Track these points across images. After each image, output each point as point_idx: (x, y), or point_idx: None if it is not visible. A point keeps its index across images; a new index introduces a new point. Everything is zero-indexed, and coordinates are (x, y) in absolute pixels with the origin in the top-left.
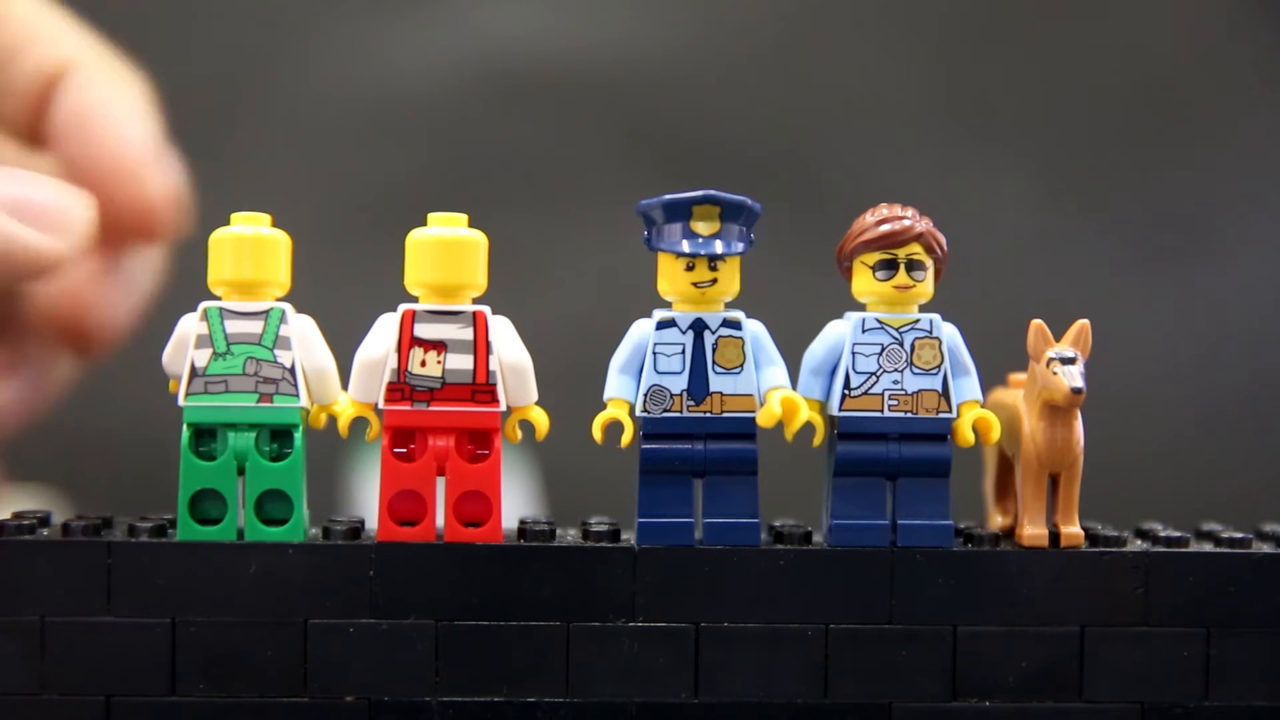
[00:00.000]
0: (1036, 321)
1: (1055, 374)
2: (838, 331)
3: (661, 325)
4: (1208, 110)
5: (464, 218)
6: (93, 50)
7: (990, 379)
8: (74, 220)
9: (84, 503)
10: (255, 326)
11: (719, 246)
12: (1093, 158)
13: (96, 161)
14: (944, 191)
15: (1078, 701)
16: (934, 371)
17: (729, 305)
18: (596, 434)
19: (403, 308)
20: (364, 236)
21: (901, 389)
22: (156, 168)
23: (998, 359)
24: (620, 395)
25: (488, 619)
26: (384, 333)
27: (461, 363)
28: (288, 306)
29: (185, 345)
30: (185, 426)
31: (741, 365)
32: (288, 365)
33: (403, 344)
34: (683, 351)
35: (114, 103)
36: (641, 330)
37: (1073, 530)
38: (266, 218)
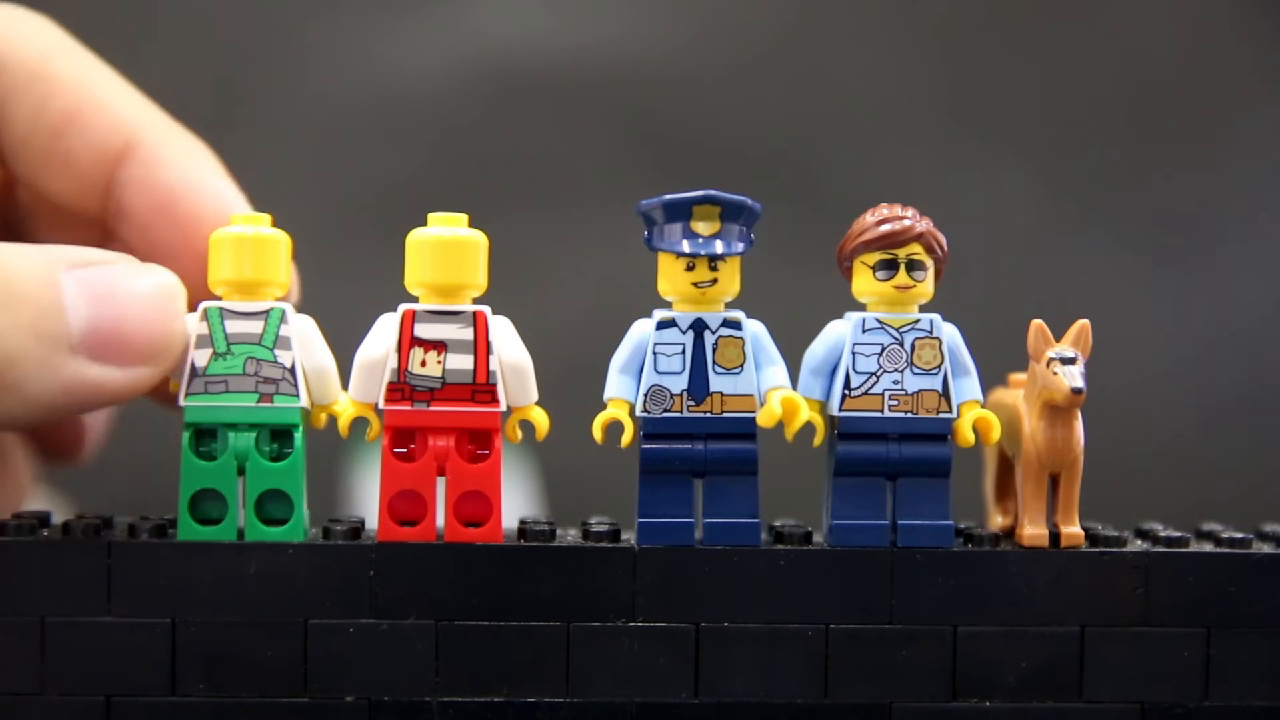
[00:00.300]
0: (1037, 322)
1: (1055, 374)
2: (838, 331)
3: (662, 325)
4: (1208, 110)
5: (464, 218)
6: (156, 117)
7: (990, 379)
8: (163, 336)
9: (84, 503)
10: (255, 326)
11: (719, 246)
12: (1093, 158)
13: (194, 242)
14: (944, 191)
15: (1078, 702)
16: (934, 371)
17: (729, 305)
18: (597, 434)
19: (403, 308)
20: (364, 236)
21: (902, 389)
22: None
23: (998, 359)
24: (620, 395)
25: (488, 619)
26: (384, 333)
27: (462, 363)
28: (288, 306)
29: (186, 345)
30: (185, 426)
31: (742, 365)
32: (288, 365)
33: (403, 344)
34: (683, 351)
35: (195, 175)
36: (641, 330)
37: (1073, 530)
38: (267, 218)
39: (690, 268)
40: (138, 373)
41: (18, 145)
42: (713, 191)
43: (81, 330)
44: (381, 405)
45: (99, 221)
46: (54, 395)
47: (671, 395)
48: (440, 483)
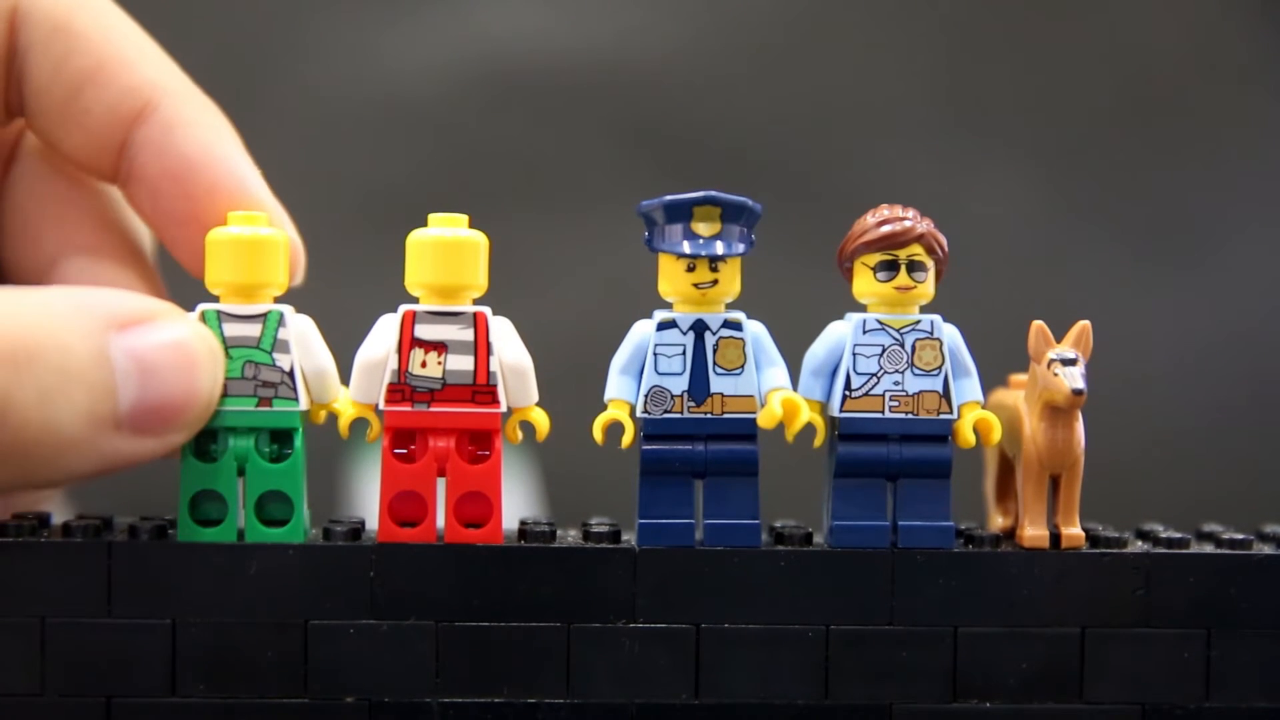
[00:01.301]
0: (1037, 323)
1: (1056, 375)
2: (838, 332)
3: (662, 326)
4: (1209, 112)
5: (464, 218)
6: (178, 80)
7: (991, 380)
8: (202, 405)
9: (84, 503)
10: (253, 330)
11: (720, 247)
12: (1094, 158)
13: (205, 216)
14: (944, 192)
15: (1078, 703)
16: (935, 373)
17: (730, 306)
18: (597, 435)
19: (403, 308)
20: (364, 236)
21: (902, 390)
22: (275, 209)
23: (998, 360)
24: (621, 396)
25: (488, 619)
26: (384, 333)
27: (462, 364)
28: (287, 308)
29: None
30: None
31: (742, 366)
32: (286, 369)
33: (403, 345)
34: (683, 352)
35: (213, 147)
36: (642, 331)
37: (1073, 531)
38: (265, 218)
39: (691, 268)
40: (172, 440)
41: (36, 97)
42: (713, 192)
43: (128, 409)
44: (382, 406)
45: (109, 181)
46: (92, 470)
47: (672, 396)
48: (441, 484)
